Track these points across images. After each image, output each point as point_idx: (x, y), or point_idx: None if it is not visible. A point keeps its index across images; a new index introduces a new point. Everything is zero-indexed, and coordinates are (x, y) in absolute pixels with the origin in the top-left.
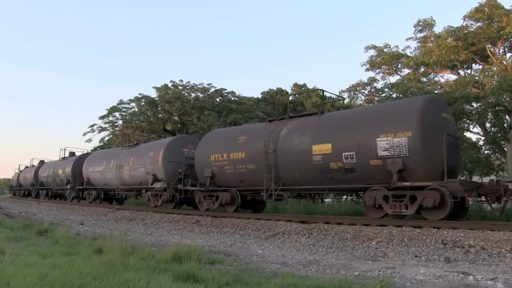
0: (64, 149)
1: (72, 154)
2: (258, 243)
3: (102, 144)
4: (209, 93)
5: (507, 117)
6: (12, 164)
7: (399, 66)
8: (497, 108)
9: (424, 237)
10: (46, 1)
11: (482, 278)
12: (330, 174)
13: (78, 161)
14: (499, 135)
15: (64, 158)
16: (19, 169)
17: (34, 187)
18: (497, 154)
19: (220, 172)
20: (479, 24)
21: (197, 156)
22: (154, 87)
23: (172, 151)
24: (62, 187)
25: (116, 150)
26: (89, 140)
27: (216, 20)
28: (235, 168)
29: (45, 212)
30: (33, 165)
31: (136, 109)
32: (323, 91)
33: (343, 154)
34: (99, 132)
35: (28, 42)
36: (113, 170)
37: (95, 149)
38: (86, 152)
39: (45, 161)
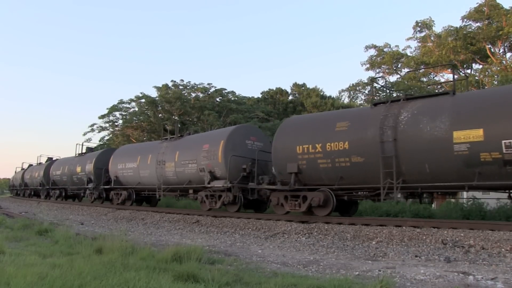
0: (82, 145)
1: (90, 149)
2: (258, 243)
3: (102, 143)
4: (209, 93)
5: None
6: (11, 164)
7: (399, 66)
8: None
9: (424, 237)
10: (47, 2)
11: (482, 278)
12: (478, 167)
13: (102, 157)
14: None
15: (82, 153)
16: (22, 167)
17: (44, 187)
18: None
19: (310, 166)
20: (478, 24)
21: (276, 148)
22: (155, 87)
23: (234, 143)
24: (80, 186)
25: (153, 143)
26: (89, 140)
27: (217, 21)
28: (333, 162)
29: (45, 212)
30: (40, 163)
31: (137, 109)
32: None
33: (503, 142)
34: (99, 132)
35: (28, 42)
36: (151, 167)
37: (95, 148)
38: (101, 148)
39: (54, 158)
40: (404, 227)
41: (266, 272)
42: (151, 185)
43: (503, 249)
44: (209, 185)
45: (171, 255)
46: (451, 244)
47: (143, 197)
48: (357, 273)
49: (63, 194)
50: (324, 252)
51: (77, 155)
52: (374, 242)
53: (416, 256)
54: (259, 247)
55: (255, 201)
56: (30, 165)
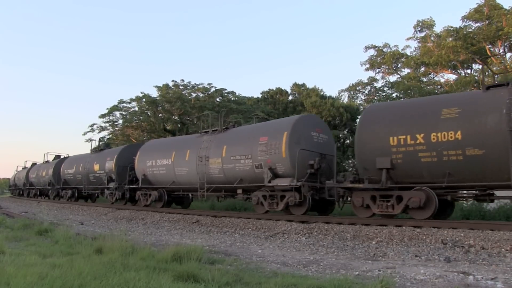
0: (99, 142)
1: (106, 146)
2: (258, 243)
3: (102, 143)
4: (209, 93)
5: None
6: (10, 164)
7: (399, 66)
8: None
9: (424, 237)
10: (48, 2)
11: (482, 278)
12: None
13: (124, 154)
14: None
15: (98, 150)
16: (25, 166)
17: (53, 186)
18: None
19: (408, 161)
20: (478, 24)
21: (362, 139)
22: (156, 86)
23: (299, 135)
24: (98, 186)
25: (190, 137)
26: (90, 140)
27: (217, 21)
28: (439, 155)
29: (45, 212)
30: (47, 161)
31: (137, 109)
32: None
33: None
34: (99, 132)
35: (29, 42)
36: (191, 164)
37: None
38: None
39: (62, 156)
40: (404, 227)
41: (266, 272)
42: (189, 184)
43: (503, 249)
44: (269, 184)
45: (171, 255)
46: (451, 244)
47: (174, 198)
48: (357, 273)
49: (76, 194)
50: (324, 252)
51: (93, 151)
52: (374, 242)
53: (416, 256)
54: (259, 247)
55: (321, 202)
56: (34, 164)
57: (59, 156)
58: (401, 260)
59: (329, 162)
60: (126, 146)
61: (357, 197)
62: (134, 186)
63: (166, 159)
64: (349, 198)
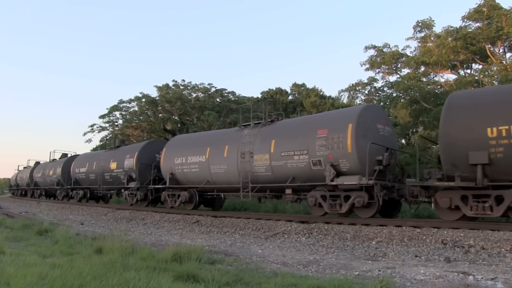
0: (115, 138)
1: (122, 142)
2: (258, 243)
3: (102, 143)
4: (209, 93)
5: None
6: (9, 164)
7: (399, 66)
8: None
9: (424, 237)
10: (49, 3)
11: (482, 278)
12: None
13: (147, 150)
14: None
15: (114, 147)
16: (28, 164)
17: (63, 187)
18: None
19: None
20: (478, 24)
21: (448, 132)
22: (156, 86)
23: (365, 127)
24: (115, 186)
25: (227, 131)
26: (89, 140)
27: (217, 22)
28: None
29: (45, 212)
30: (54, 159)
31: (137, 109)
32: None
33: None
34: (99, 132)
35: (29, 42)
36: (230, 161)
37: (95, 149)
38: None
39: (70, 154)
40: (404, 227)
41: (266, 272)
42: (228, 184)
43: (503, 249)
44: (332, 183)
45: (171, 255)
46: (451, 244)
47: (205, 199)
48: (357, 273)
49: (88, 195)
50: (324, 252)
51: (108, 149)
52: (374, 242)
53: (416, 256)
54: (259, 247)
55: (388, 203)
56: (38, 163)
57: (66, 154)
58: (401, 260)
59: (396, 158)
60: (148, 143)
61: (444, 197)
62: (160, 186)
63: (199, 156)
64: (425, 198)
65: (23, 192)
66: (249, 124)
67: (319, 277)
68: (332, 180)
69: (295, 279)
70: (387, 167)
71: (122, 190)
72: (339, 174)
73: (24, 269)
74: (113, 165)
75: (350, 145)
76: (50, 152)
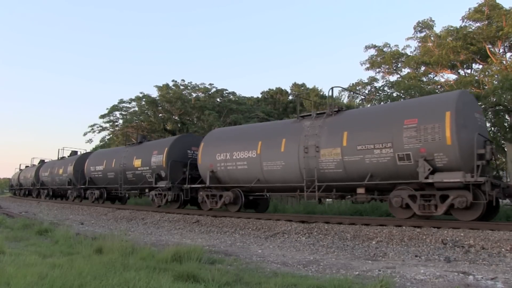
0: (137, 133)
1: (144, 138)
2: (258, 243)
3: (102, 143)
4: (210, 93)
5: (507, 116)
6: (11, 164)
7: (399, 65)
8: (497, 108)
9: (424, 237)
10: (50, 3)
11: (482, 277)
12: None
13: (176, 146)
14: (499, 134)
15: (137, 143)
16: (31, 163)
17: (75, 186)
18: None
19: None
20: (478, 24)
21: None
22: (156, 86)
23: (464, 116)
24: (138, 185)
25: (282, 123)
26: (90, 141)
27: (217, 22)
28: None
29: (45, 211)
30: (62, 157)
31: (137, 109)
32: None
33: None
34: (99, 132)
35: (29, 43)
36: (289, 156)
37: (95, 149)
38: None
39: (78, 152)
40: (404, 227)
41: (266, 272)
42: (284, 182)
43: (503, 249)
44: (427, 180)
45: (171, 255)
46: (451, 244)
47: (248, 200)
48: (357, 273)
49: (105, 195)
50: (324, 252)
51: (128, 145)
52: (374, 242)
53: (416, 256)
54: (259, 247)
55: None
56: (43, 161)
57: (76, 152)
58: (401, 260)
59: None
60: (179, 137)
61: None
62: (198, 186)
63: (248, 151)
64: None
65: (26, 192)
66: (309, 115)
67: (319, 277)
68: (426, 177)
69: (295, 279)
70: (489, 163)
71: (146, 190)
72: (435, 170)
73: (24, 269)
74: (137, 163)
75: (450, 136)
76: (59, 150)
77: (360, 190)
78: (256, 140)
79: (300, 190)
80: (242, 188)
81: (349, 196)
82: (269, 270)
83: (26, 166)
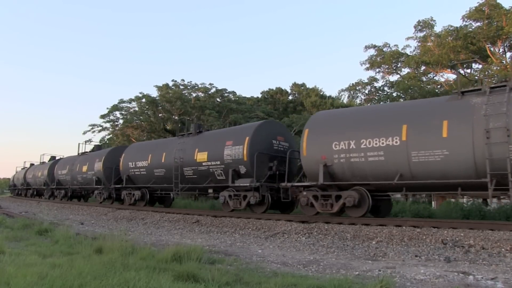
0: (192, 120)
1: (198, 127)
2: (258, 243)
3: (102, 143)
4: (209, 93)
5: None
6: (11, 164)
7: (399, 65)
8: None
9: (424, 237)
10: (49, 3)
11: (482, 277)
12: None
13: (259, 135)
14: None
15: (195, 132)
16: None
17: (105, 186)
18: None
19: None
20: (478, 24)
21: None
22: (156, 86)
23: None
24: (203, 184)
25: (435, 101)
26: (90, 141)
27: (218, 22)
28: None
29: (45, 211)
30: (43, 162)
31: (137, 109)
32: None
33: None
34: (99, 132)
35: (29, 43)
36: (459, 142)
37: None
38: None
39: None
40: (404, 227)
41: (266, 272)
42: (445, 177)
43: (503, 249)
44: None
45: (171, 255)
46: (451, 244)
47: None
48: (357, 273)
49: (147, 196)
50: (324, 252)
51: (180, 135)
52: (374, 242)
53: (416, 256)
54: (259, 247)
55: None
56: (32, 164)
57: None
58: (401, 260)
59: None
60: (261, 124)
61: None
62: (304, 184)
63: (387, 138)
64: None
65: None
66: (476, 89)
67: (319, 277)
68: None
69: (295, 279)
70: None
71: (210, 191)
72: None
73: (24, 269)
74: (200, 156)
75: None
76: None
77: None
78: (398, 123)
79: (466, 188)
80: (368, 187)
81: None
82: (269, 270)
83: (32, 164)
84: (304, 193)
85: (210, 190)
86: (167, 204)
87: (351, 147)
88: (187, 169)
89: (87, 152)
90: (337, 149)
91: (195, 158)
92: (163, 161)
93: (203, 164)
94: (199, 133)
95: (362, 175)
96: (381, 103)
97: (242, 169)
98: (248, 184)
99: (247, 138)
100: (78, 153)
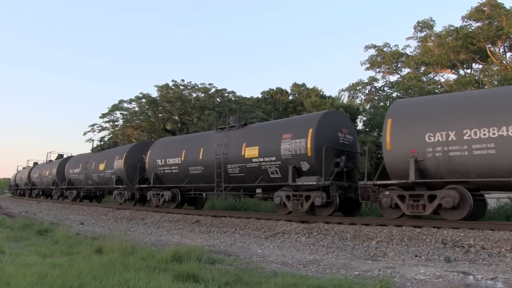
0: (236, 115)
1: (240, 119)
2: (258, 243)
3: (102, 143)
4: (209, 93)
5: None
6: (11, 164)
7: (399, 65)
8: None
9: (424, 237)
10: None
11: (482, 277)
12: None
13: (325, 127)
14: None
15: (239, 125)
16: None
17: (127, 186)
18: None
19: None
20: (478, 24)
21: None
22: (156, 86)
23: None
24: (250, 184)
25: None
26: (90, 140)
27: (218, 22)
28: None
29: (45, 212)
30: (50, 161)
31: (137, 109)
32: None
33: None
34: (99, 132)
35: (29, 43)
36: None
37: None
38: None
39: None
40: (404, 227)
41: (266, 272)
42: None
43: (503, 249)
44: None
45: (171, 255)
46: (451, 244)
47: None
48: (357, 273)
49: (179, 197)
50: (324, 252)
51: (219, 128)
52: (374, 242)
53: (416, 256)
54: (259, 247)
55: None
56: (36, 163)
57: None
58: (401, 260)
59: None
60: (325, 114)
61: None
62: (390, 182)
63: (500, 127)
64: None
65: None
66: None
67: (319, 277)
68: None
69: (295, 279)
70: None
71: (257, 190)
72: None
73: (24, 269)
74: (249, 152)
75: None
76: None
77: None
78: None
79: None
80: (467, 185)
81: None
82: (269, 270)
83: (36, 163)
84: (387, 192)
85: (259, 190)
86: (199, 205)
87: (450, 139)
88: (232, 166)
89: (52, 160)
90: (431, 142)
91: (242, 153)
92: (200, 157)
93: (253, 160)
94: (243, 125)
95: (463, 172)
96: (381, 103)
97: (305, 166)
98: (315, 183)
99: (311, 130)
100: (92, 150)
